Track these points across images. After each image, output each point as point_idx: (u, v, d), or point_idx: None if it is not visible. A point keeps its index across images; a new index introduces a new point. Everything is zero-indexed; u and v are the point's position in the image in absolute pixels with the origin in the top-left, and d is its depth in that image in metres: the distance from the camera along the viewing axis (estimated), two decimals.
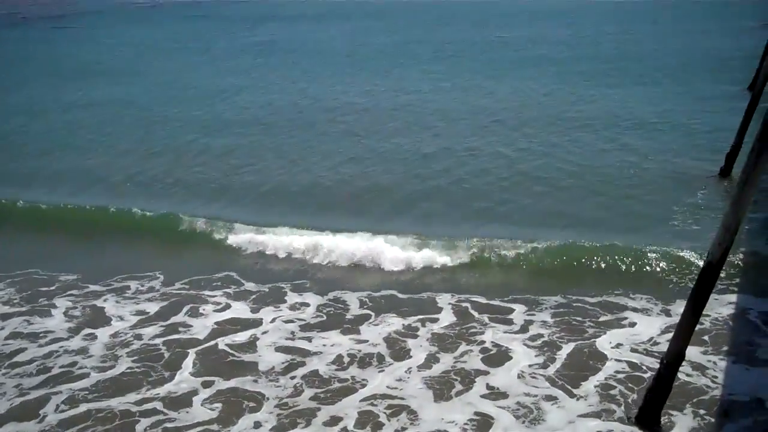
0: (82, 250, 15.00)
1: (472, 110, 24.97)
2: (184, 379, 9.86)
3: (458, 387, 9.32)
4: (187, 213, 16.09)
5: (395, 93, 28.18)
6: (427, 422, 8.62)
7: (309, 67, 35.33)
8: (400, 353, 10.24)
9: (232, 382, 9.69)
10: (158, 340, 10.95)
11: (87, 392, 9.63)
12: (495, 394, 9.13)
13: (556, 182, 17.33)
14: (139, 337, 11.09)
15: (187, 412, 9.06)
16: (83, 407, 9.27)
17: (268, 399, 9.24)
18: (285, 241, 14.11)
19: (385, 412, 8.85)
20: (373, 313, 11.50)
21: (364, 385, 9.46)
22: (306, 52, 40.33)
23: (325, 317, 11.50)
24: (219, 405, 9.19)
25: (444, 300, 11.78)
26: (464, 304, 11.57)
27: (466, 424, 8.55)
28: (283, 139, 22.08)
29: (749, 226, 13.64)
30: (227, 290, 12.65)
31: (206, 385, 9.68)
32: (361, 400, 9.11)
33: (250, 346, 10.70)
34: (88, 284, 13.12)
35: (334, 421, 8.72)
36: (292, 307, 11.87)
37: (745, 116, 16.78)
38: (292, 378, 9.72)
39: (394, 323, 11.13)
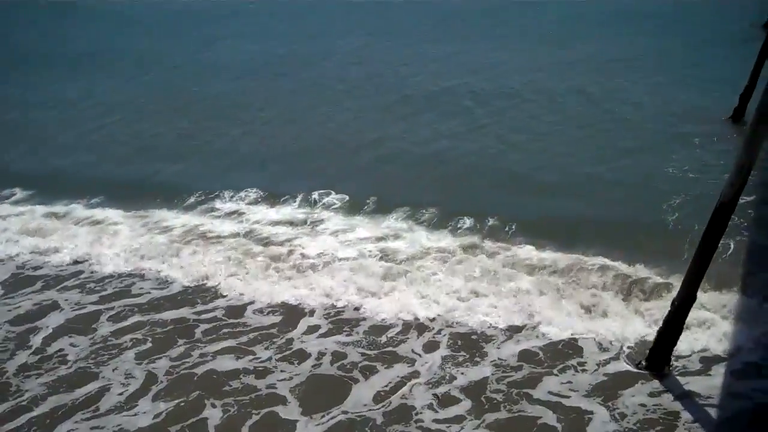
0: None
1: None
2: (235, 295, 10.94)
3: None
4: None
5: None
6: None
7: None
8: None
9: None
10: (211, 266, 11.84)
11: (138, 308, 10.72)
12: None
13: (566, 127, 17.53)
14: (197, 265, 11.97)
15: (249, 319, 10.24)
16: (135, 319, 10.38)
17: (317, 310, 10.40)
18: None
19: None
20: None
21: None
22: None
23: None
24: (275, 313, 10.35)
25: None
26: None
27: None
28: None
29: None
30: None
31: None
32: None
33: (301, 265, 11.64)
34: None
35: (379, 329, 9.80)
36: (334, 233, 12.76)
37: (759, 55, 16.28)
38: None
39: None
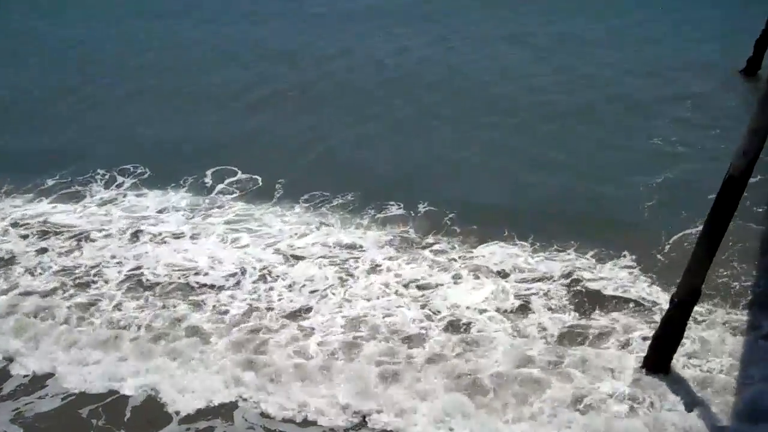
0: None
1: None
2: None
3: None
4: None
5: None
6: None
7: None
8: None
9: None
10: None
11: None
12: None
13: (567, 86, 15.58)
14: None
15: None
16: None
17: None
18: None
19: None
20: None
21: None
22: None
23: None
24: None
25: None
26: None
27: None
28: None
29: None
30: None
31: None
32: None
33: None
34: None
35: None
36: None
37: None
38: None
39: None
